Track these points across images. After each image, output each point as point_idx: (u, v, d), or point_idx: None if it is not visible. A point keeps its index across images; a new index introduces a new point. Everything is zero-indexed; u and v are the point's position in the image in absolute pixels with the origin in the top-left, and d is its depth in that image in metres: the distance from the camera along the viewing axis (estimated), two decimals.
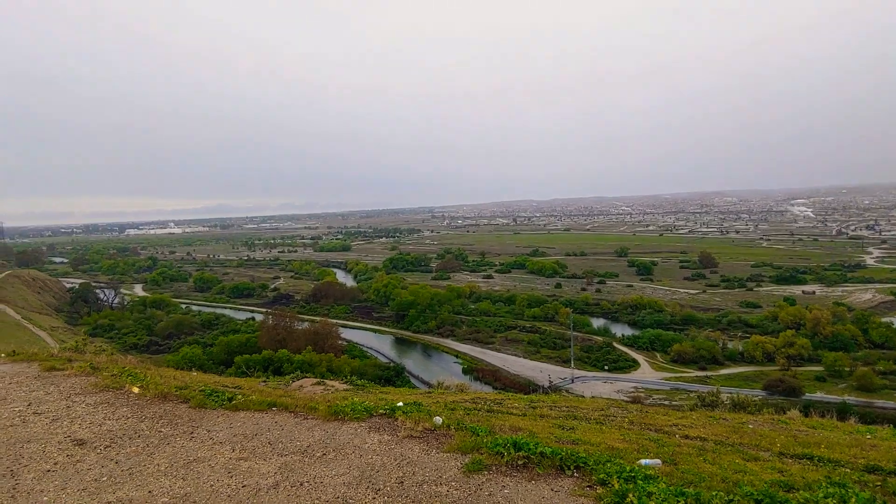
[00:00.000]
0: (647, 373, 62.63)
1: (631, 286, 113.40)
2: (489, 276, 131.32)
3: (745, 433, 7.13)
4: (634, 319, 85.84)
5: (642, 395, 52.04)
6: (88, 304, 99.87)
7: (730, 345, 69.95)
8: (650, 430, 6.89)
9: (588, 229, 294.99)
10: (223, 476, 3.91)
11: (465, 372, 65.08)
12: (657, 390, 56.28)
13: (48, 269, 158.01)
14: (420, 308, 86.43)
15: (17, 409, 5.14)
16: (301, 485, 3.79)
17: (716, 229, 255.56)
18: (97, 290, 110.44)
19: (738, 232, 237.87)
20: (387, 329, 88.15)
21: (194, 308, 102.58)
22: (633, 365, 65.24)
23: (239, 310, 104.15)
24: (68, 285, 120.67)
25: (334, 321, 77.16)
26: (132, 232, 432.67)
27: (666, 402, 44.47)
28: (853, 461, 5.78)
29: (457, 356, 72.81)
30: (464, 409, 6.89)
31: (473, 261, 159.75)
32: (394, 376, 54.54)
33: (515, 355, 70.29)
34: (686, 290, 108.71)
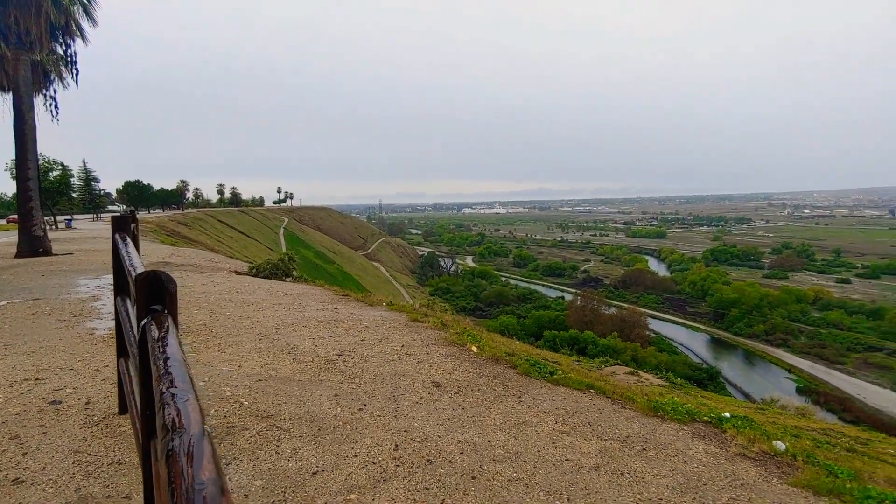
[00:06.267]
0: None
1: None
2: (845, 281, 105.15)
3: None
4: None
5: None
6: (433, 269, 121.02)
7: None
8: None
9: None
10: (548, 444, 4.20)
11: (799, 392, 54.45)
12: None
13: (407, 238, 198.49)
14: (745, 308, 75.96)
15: (395, 347, 6.58)
16: (621, 474, 3.76)
17: None
18: (439, 258, 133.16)
19: None
20: (702, 326, 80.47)
21: (512, 282, 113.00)
22: None
23: (550, 287, 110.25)
24: (420, 252, 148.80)
25: (643, 310, 74.46)
26: (467, 210, 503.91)
27: None
28: None
29: (789, 370, 61.41)
30: (812, 440, 5.71)
31: (823, 260, 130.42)
32: (706, 379, 49.46)
33: (878, 384, 55.01)
34: None
